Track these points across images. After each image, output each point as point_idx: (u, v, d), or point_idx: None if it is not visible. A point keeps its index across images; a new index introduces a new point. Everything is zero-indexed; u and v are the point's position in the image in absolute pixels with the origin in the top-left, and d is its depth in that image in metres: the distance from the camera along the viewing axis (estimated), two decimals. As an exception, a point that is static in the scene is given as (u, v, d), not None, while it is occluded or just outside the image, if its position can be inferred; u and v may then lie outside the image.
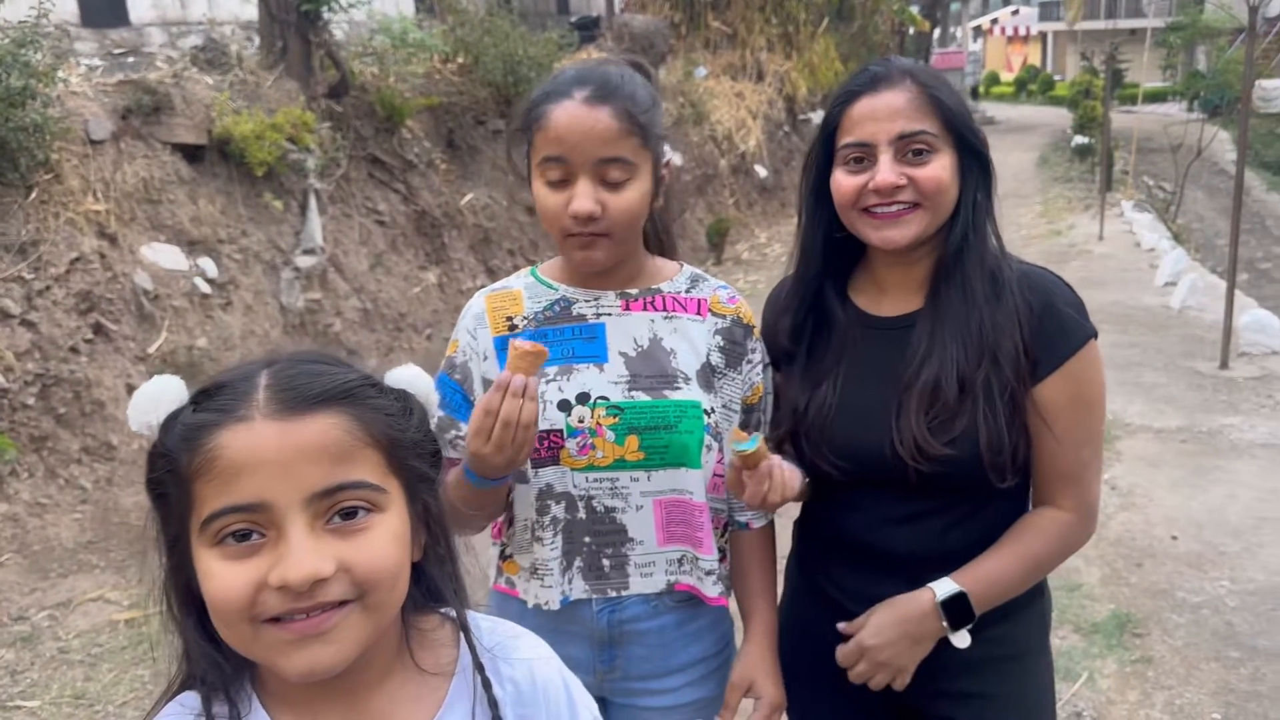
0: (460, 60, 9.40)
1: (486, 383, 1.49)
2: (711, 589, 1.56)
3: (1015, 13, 46.13)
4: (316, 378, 0.88)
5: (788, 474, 1.44)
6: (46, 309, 5.25)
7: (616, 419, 1.47)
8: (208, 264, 6.29)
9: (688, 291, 1.58)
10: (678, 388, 1.50)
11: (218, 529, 0.83)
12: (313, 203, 7.19)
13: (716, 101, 13.59)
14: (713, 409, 1.53)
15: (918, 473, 1.43)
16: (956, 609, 1.43)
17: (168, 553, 0.89)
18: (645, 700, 1.57)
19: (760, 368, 1.60)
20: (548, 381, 1.47)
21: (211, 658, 0.89)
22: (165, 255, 6.06)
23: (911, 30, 22.26)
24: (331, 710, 0.92)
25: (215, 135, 6.61)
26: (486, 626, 1.03)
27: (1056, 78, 36.71)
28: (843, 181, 1.47)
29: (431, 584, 0.98)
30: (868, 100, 1.45)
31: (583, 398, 1.47)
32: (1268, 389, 6.11)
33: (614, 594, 1.51)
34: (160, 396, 0.89)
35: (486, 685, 0.96)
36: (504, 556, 1.58)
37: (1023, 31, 45.07)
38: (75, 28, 10.03)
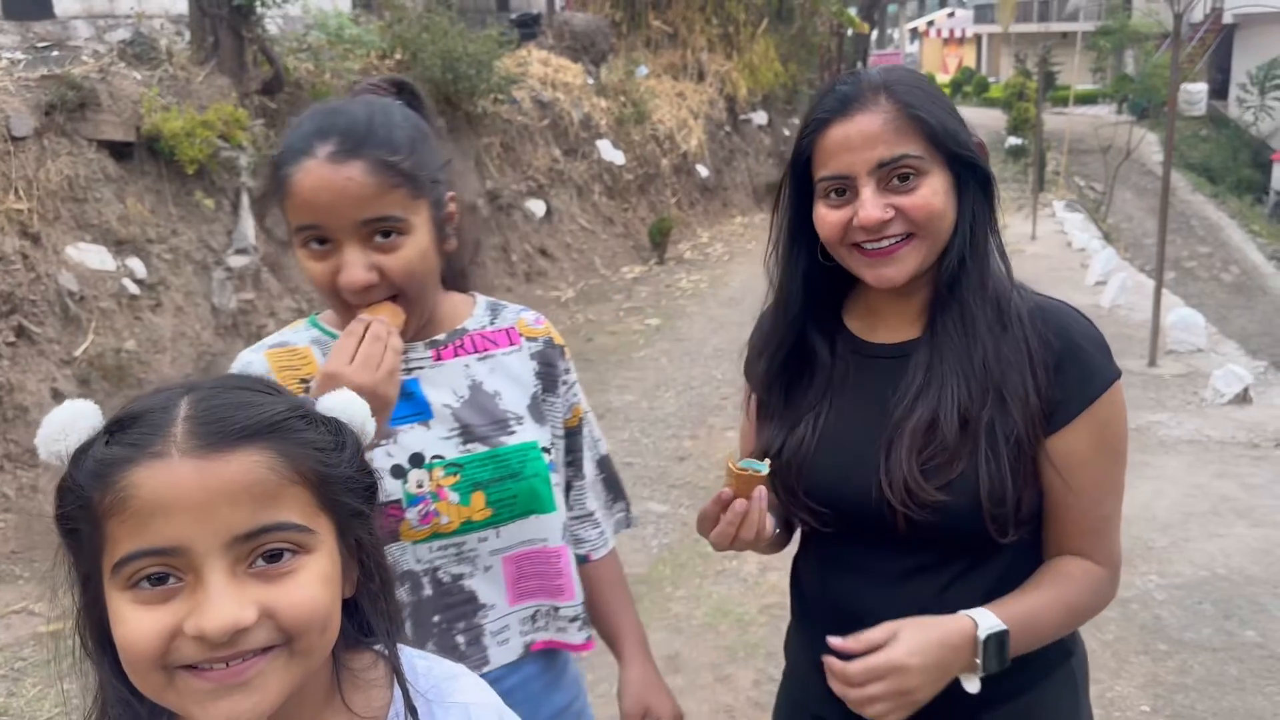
0: (398, 57, 9.27)
1: None
2: (577, 635, 1.46)
3: (951, 15, 46.89)
4: (239, 409, 0.81)
5: (765, 515, 1.30)
6: (-35, 311, 5.07)
7: (457, 477, 1.33)
8: (136, 264, 6.12)
9: (492, 324, 1.46)
10: (512, 431, 1.39)
11: (131, 572, 0.77)
12: (245, 201, 7.03)
13: (658, 101, 13.60)
14: (550, 445, 1.44)
15: (907, 520, 1.27)
16: (993, 649, 1.23)
17: (80, 591, 0.83)
18: None
19: (576, 388, 1.52)
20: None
21: (126, 702, 0.83)
22: (91, 255, 5.89)
23: (850, 32, 22.51)
24: None
25: (144, 132, 6.43)
26: (422, 666, 0.97)
27: (991, 80, 37.38)
28: (826, 217, 1.31)
29: (364, 620, 0.92)
30: (840, 127, 1.28)
31: (416, 459, 1.33)
32: (1193, 386, 6.28)
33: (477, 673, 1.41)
34: (71, 425, 0.82)
35: None
36: None
37: (958, 34, 45.83)
38: (-4, 19, 9.73)
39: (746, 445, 1.52)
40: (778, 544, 1.48)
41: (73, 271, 5.72)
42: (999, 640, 1.23)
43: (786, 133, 16.43)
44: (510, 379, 1.42)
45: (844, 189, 1.29)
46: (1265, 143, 22.99)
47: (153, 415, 0.81)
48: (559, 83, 11.68)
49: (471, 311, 1.45)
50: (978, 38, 44.09)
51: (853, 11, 22.06)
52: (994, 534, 1.27)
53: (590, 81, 12.57)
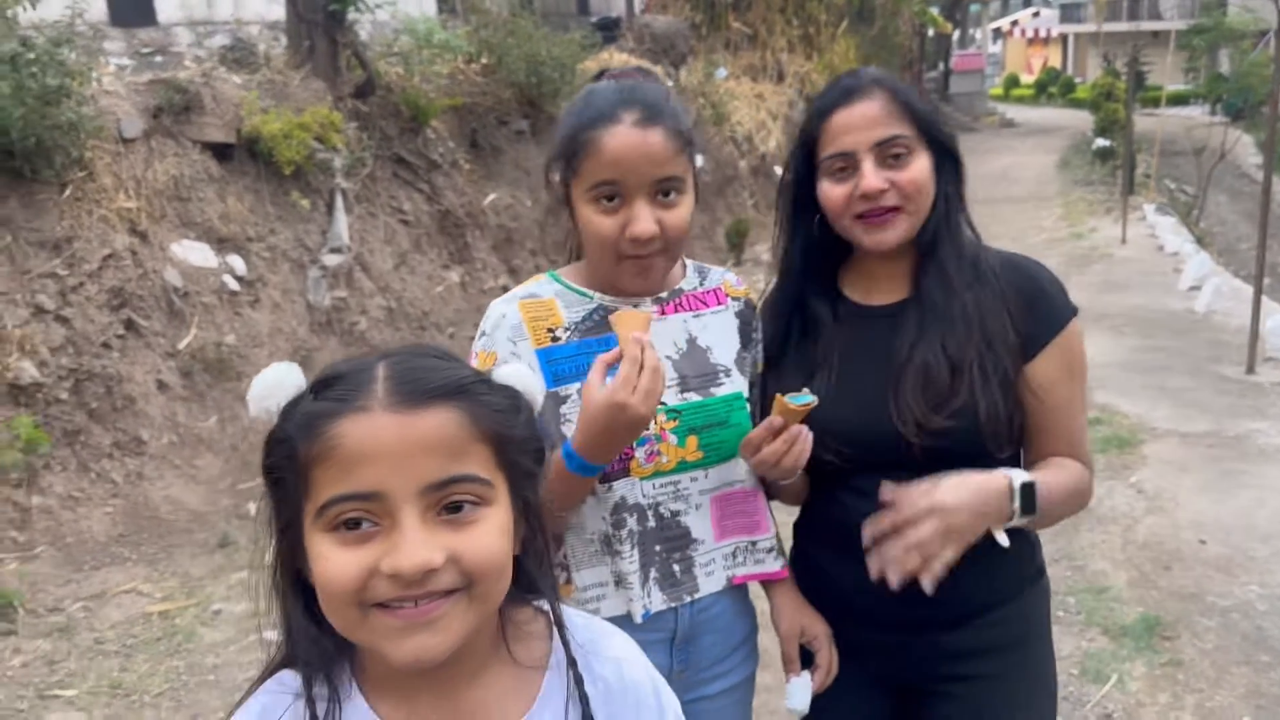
0: (484, 61, 9.44)
1: None
2: (774, 564, 1.63)
3: (1036, 14, 45.92)
4: (432, 372, 0.89)
5: (808, 444, 1.47)
6: (80, 305, 5.31)
7: (676, 422, 1.51)
8: (236, 261, 6.35)
9: (701, 285, 1.64)
10: (720, 383, 1.56)
11: (333, 515, 0.85)
12: (339, 202, 7.24)
13: (737, 102, 13.60)
14: (750, 396, 1.60)
15: (921, 449, 1.48)
16: (1026, 496, 1.44)
17: (279, 536, 0.91)
18: (712, 687, 1.60)
19: (761, 344, 1.69)
20: None
21: (315, 639, 0.91)
22: (195, 252, 6.12)
23: (931, 32, 22.22)
24: (428, 700, 0.93)
25: (244, 134, 6.67)
26: (580, 623, 1.04)
27: (1077, 80, 36.52)
28: (831, 191, 1.54)
29: (528, 577, 0.98)
30: (844, 112, 1.53)
31: None
32: (1295, 394, 6.08)
33: (689, 599, 1.54)
34: (280, 383, 0.90)
35: (579, 681, 0.97)
36: None
37: (1043, 33, 44.85)
38: (104, 27, 10.13)
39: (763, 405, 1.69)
40: (798, 495, 1.69)
41: (177, 268, 5.96)
42: (1030, 489, 1.44)
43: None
44: (719, 335, 1.60)
45: (846, 166, 1.52)
46: (1370, 144, 22.06)
47: (355, 375, 0.89)
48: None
49: (684, 274, 1.63)
50: (1063, 37, 43.09)
51: (935, 11, 21.76)
52: (992, 449, 1.50)
53: (670, 83, 12.62)
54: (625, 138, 1.40)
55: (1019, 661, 1.61)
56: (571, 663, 0.97)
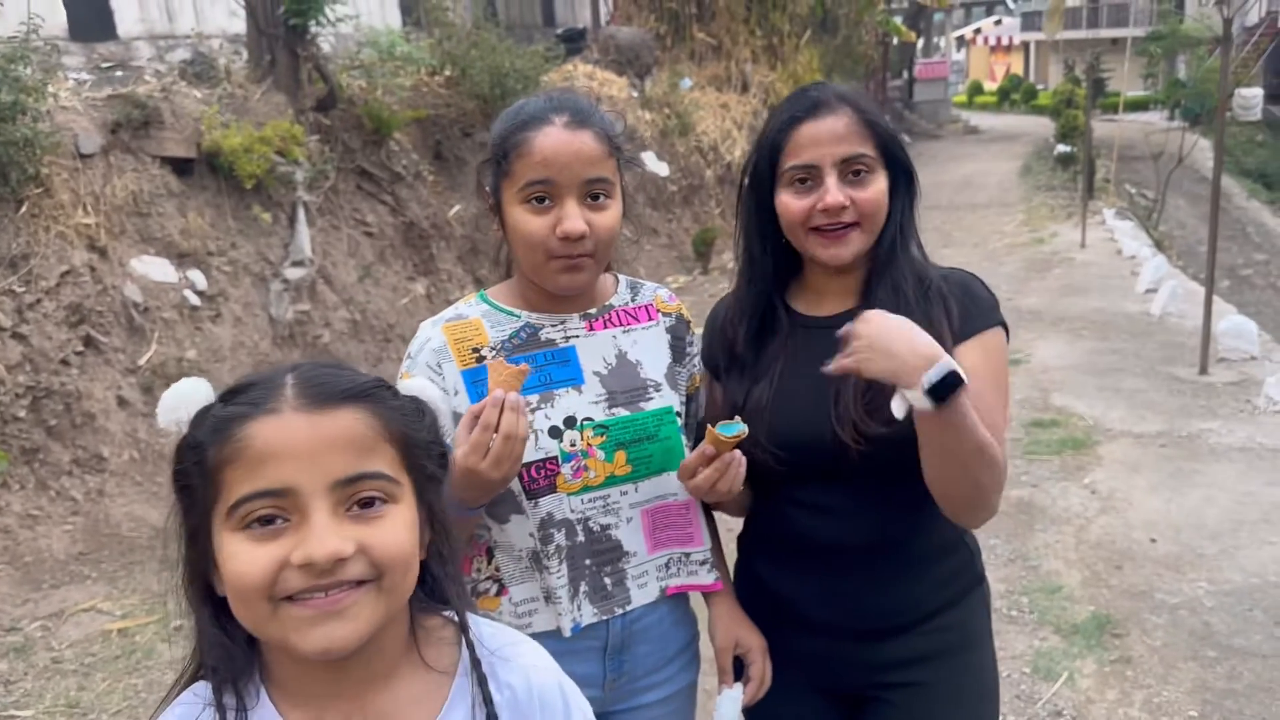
0: (447, 73, 9.45)
1: (458, 418, 1.43)
2: (707, 576, 1.64)
3: (998, 22, 46.51)
4: (339, 377, 0.94)
5: (742, 469, 1.49)
6: (37, 322, 5.28)
7: (604, 437, 1.53)
8: (197, 276, 6.32)
9: (633, 301, 1.66)
10: (650, 398, 1.58)
11: (244, 514, 0.88)
12: (301, 215, 7.22)
13: (702, 113, 13.67)
14: (681, 409, 1.62)
15: (859, 454, 1.48)
16: (947, 381, 1.32)
17: (188, 544, 0.94)
18: (648, 696, 1.62)
19: (696, 359, 1.71)
20: (532, 410, 1.49)
21: (224, 648, 0.93)
22: (155, 268, 6.09)
23: (895, 41, 22.43)
24: (337, 705, 0.96)
25: (204, 148, 6.64)
26: (489, 631, 1.06)
27: (1039, 87, 37.00)
28: (791, 204, 1.56)
29: (436, 585, 1.02)
30: (811, 125, 1.54)
31: (570, 421, 1.52)
32: (1245, 394, 6.20)
33: (620, 611, 1.56)
34: (188, 395, 0.94)
35: (483, 683, 0.99)
36: (476, 594, 1.55)
37: (1005, 41, 45.41)
38: (63, 41, 10.03)
39: (711, 409, 1.69)
40: (742, 506, 1.70)
41: (137, 283, 5.93)
42: (955, 380, 1.32)
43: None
44: (649, 350, 1.63)
45: (808, 178, 1.55)
46: (1324, 148, 22.50)
47: (265, 382, 0.93)
48: (604, 96, 11.80)
49: (615, 289, 1.66)
50: (1025, 45, 43.63)
51: (898, 20, 21.99)
52: None
53: (635, 94, 12.69)
54: (556, 137, 1.44)
55: (959, 668, 1.63)
56: (476, 664, 1.00)
